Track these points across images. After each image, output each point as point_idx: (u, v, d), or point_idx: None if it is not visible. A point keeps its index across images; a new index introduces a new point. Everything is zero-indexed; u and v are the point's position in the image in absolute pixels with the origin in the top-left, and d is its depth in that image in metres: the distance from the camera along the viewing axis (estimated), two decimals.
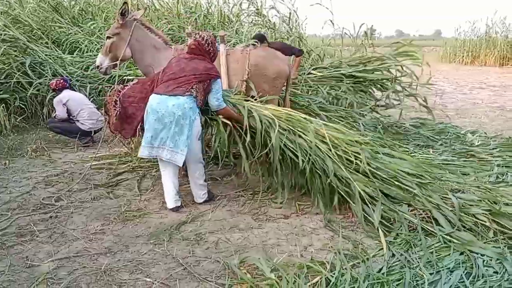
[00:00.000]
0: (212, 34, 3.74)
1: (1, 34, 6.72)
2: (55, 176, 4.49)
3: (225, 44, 4.54)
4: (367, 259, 2.78)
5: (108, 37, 4.51)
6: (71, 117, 5.72)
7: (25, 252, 2.92)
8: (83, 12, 9.86)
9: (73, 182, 4.23)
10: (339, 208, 3.57)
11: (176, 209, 3.58)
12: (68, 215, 3.53)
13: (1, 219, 3.42)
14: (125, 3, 4.44)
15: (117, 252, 2.93)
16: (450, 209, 3.21)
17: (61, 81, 5.82)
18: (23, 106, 6.61)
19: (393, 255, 2.84)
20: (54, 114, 5.75)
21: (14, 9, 8.28)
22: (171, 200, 3.60)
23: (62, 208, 3.66)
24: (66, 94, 5.78)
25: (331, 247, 2.99)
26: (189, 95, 3.41)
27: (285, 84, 4.64)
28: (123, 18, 4.38)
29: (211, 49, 3.66)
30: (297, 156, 3.54)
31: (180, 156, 3.39)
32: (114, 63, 4.53)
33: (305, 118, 3.83)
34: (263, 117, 3.70)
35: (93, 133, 5.79)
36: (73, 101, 5.74)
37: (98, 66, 4.61)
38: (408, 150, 4.87)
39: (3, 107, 6.17)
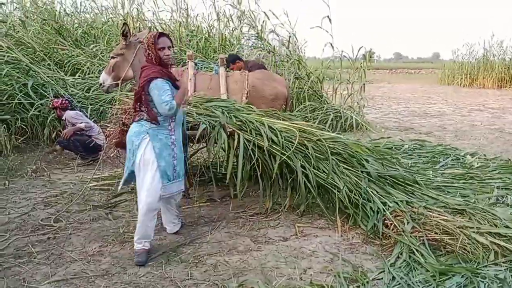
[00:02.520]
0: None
1: (4, 56, 6.81)
2: (54, 196, 4.48)
3: (225, 66, 4.61)
4: (367, 282, 2.75)
5: (112, 57, 4.59)
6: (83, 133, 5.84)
7: (22, 274, 2.90)
8: (86, 35, 10.02)
9: (72, 203, 4.22)
10: (341, 229, 3.57)
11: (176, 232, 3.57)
12: (66, 236, 3.50)
13: None
14: (125, 23, 4.53)
15: (115, 275, 2.90)
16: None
17: (66, 101, 5.93)
18: (24, 127, 6.64)
19: (393, 278, 2.81)
20: (84, 125, 5.81)
21: (18, 31, 8.40)
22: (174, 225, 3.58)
23: (61, 229, 3.64)
24: (74, 111, 5.91)
25: (331, 270, 2.97)
26: (139, 119, 3.09)
27: (284, 105, 4.70)
28: (125, 39, 4.45)
29: None
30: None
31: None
32: (116, 82, 4.58)
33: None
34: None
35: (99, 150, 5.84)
36: (85, 117, 5.96)
37: (101, 84, 4.69)
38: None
39: (4, 127, 6.19)
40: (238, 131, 3.74)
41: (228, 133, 3.74)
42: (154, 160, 3.01)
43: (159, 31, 3.08)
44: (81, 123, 5.82)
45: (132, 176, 3.16)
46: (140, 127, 3.05)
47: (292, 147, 3.76)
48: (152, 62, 3.07)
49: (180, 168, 3.22)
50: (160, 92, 2.93)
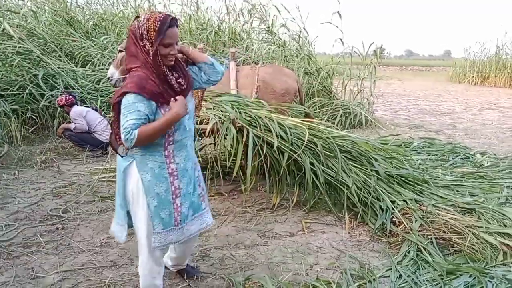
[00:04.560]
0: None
1: (16, 47, 6.85)
2: (63, 187, 4.51)
3: (235, 60, 4.61)
4: (374, 279, 2.74)
5: (120, 51, 4.59)
6: (88, 129, 5.86)
7: (31, 263, 2.92)
8: (97, 27, 10.05)
9: (80, 194, 4.25)
10: (349, 226, 3.57)
11: None
12: (74, 227, 3.53)
13: (8, 229, 3.44)
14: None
15: (122, 266, 2.92)
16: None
17: (70, 96, 5.92)
18: (35, 118, 6.69)
19: (400, 276, 2.80)
20: (74, 126, 5.82)
21: (30, 22, 8.45)
22: None
23: (69, 220, 3.67)
24: (80, 109, 5.91)
25: (338, 266, 2.96)
26: None
27: (295, 99, 4.69)
28: None
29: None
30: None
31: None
32: (124, 76, 4.59)
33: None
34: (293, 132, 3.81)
35: (106, 145, 5.82)
36: (91, 113, 5.93)
37: (109, 78, 4.70)
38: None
39: (15, 118, 6.24)
40: (247, 127, 3.74)
41: (237, 128, 3.74)
42: (143, 196, 2.15)
43: (169, 14, 2.07)
44: (76, 123, 5.82)
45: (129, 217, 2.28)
46: None
47: (301, 145, 3.74)
48: (143, 59, 2.05)
49: (189, 206, 2.26)
50: (125, 113, 1.96)
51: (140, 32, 2.03)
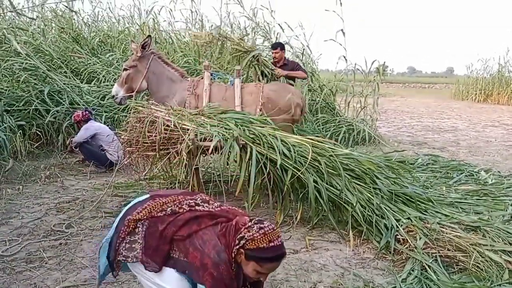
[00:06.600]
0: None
1: (23, 63, 6.94)
2: (67, 203, 4.52)
3: (240, 78, 4.65)
4: None
5: (125, 69, 4.66)
6: (100, 147, 5.85)
7: (34, 279, 2.92)
8: (102, 44, 10.17)
9: (84, 210, 4.25)
10: (353, 244, 3.55)
11: None
12: (77, 243, 3.53)
13: (12, 244, 3.44)
14: (149, 36, 4.59)
15: (124, 282, 2.91)
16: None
17: (86, 112, 5.98)
18: (39, 133, 6.73)
19: None
20: (71, 139, 5.91)
21: (37, 39, 8.57)
22: None
23: (72, 235, 3.67)
24: (96, 125, 5.97)
25: (341, 284, 2.94)
26: None
27: (299, 116, 4.73)
28: (143, 51, 4.51)
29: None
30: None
31: None
32: (129, 94, 4.65)
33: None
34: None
35: (110, 164, 5.76)
36: (103, 132, 5.90)
37: (113, 96, 4.74)
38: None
39: (20, 133, 6.29)
40: (251, 144, 3.75)
41: (241, 145, 3.75)
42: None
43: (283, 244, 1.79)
44: (78, 134, 5.89)
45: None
46: None
47: (304, 162, 3.73)
48: (226, 258, 1.75)
49: None
50: None
51: (242, 239, 1.73)
